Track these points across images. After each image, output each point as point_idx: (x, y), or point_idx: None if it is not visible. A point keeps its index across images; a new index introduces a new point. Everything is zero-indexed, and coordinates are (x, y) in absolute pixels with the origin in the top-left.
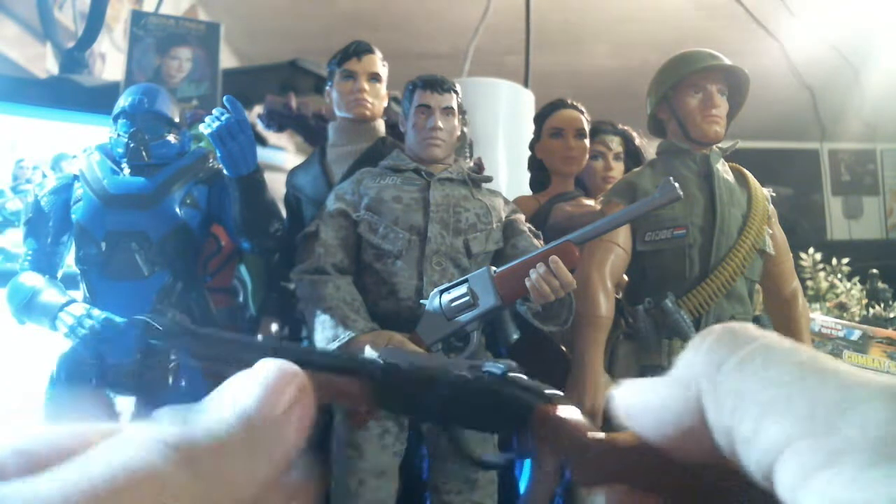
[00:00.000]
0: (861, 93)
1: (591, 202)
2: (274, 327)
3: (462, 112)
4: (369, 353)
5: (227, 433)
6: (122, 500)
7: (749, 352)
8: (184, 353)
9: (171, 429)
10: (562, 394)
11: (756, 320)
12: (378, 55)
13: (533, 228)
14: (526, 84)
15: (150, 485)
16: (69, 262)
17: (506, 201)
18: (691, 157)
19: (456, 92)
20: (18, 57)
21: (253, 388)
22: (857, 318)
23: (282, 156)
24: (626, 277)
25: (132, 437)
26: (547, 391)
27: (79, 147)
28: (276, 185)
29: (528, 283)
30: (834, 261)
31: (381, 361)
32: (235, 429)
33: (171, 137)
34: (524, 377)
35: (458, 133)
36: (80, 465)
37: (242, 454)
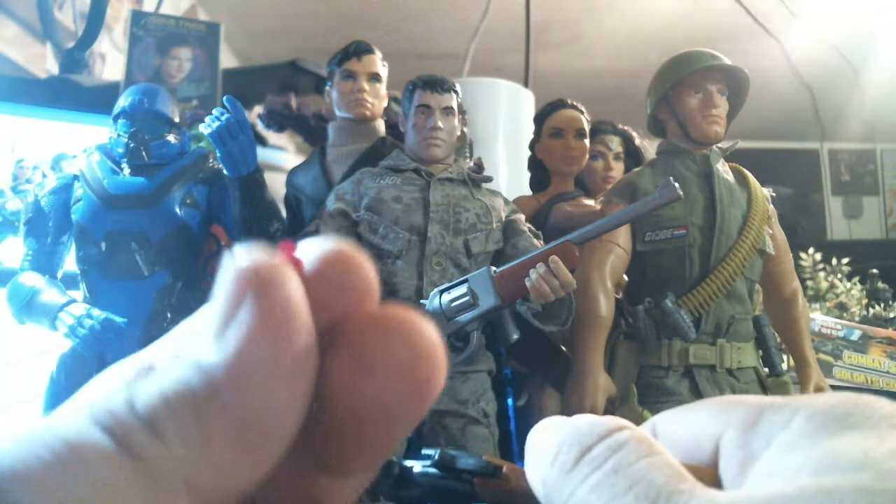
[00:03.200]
0: (861, 93)
1: (591, 202)
2: None
3: (462, 112)
4: None
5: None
6: None
7: (583, 493)
8: None
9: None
10: (499, 464)
11: (756, 320)
12: (378, 55)
13: (533, 228)
14: (526, 84)
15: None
16: (69, 262)
17: (506, 201)
18: (691, 157)
19: (456, 92)
20: (18, 57)
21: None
22: (857, 318)
23: (282, 156)
24: (626, 277)
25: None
26: (483, 466)
27: (79, 147)
28: (276, 185)
29: (528, 283)
30: (834, 261)
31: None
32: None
33: (171, 137)
34: (472, 460)
35: (458, 133)
36: None
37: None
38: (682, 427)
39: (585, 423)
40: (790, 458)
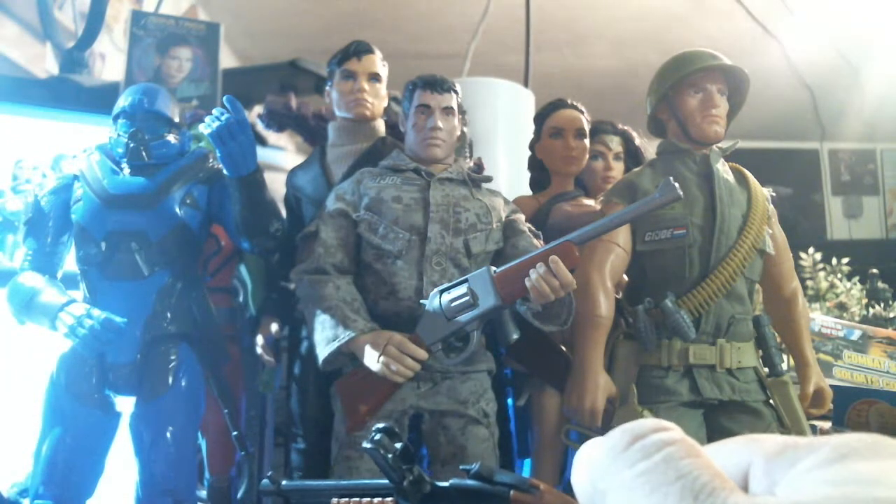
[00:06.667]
0: (861, 93)
1: (591, 202)
2: (274, 327)
3: (462, 112)
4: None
5: None
6: None
7: (632, 475)
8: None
9: None
10: (535, 483)
11: (756, 320)
12: (378, 55)
13: (533, 228)
14: (526, 84)
15: None
16: (69, 262)
17: (506, 201)
18: (691, 157)
19: (456, 92)
20: (18, 57)
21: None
22: (857, 318)
23: (282, 156)
24: (626, 277)
25: None
26: (520, 482)
27: (79, 147)
28: (276, 185)
29: (528, 283)
30: (834, 261)
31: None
32: None
33: (171, 137)
34: (509, 475)
35: (458, 133)
36: None
37: None
38: (713, 458)
39: (638, 421)
40: (814, 475)
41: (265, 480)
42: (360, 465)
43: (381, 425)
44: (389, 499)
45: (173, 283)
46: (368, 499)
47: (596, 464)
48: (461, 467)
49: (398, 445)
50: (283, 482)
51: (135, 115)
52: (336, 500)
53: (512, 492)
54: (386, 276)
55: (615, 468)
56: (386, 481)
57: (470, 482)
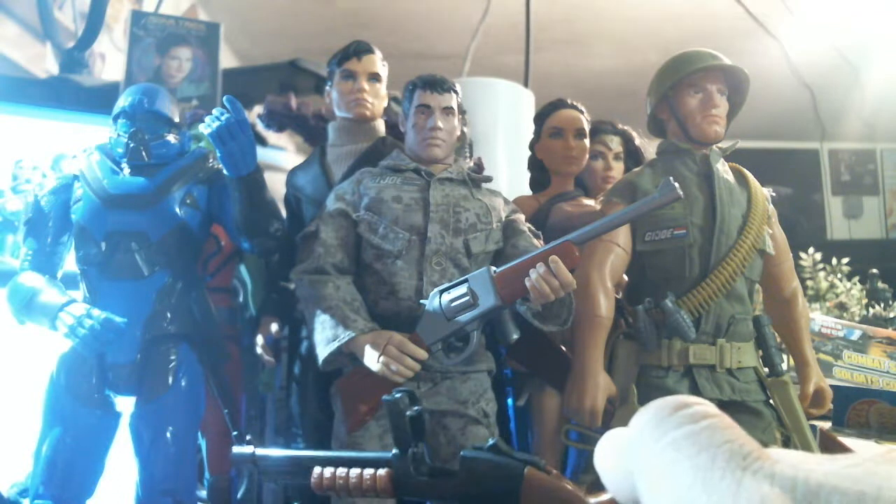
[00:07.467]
0: (861, 93)
1: (591, 202)
2: (274, 327)
3: (462, 112)
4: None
5: None
6: None
7: (677, 437)
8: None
9: None
10: (547, 467)
11: (756, 320)
12: (378, 55)
13: (533, 228)
14: (526, 84)
15: None
16: (69, 262)
17: (506, 201)
18: (691, 157)
19: (456, 92)
20: (18, 57)
21: None
22: (857, 318)
23: (282, 156)
24: (626, 277)
25: None
26: (536, 460)
27: (79, 147)
28: (276, 185)
29: (527, 283)
30: (834, 261)
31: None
32: None
33: (171, 137)
34: (524, 455)
35: (458, 133)
36: None
37: None
38: None
39: (674, 396)
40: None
41: (237, 447)
42: None
43: (404, 388)
44: (384, 470)
45: (173, 283)
46: (360, 469)
47: (630, 441)
48: (473, 446)
49: (416, 408)
50: (256, 450)
51: (135, 115)
52: (319, 469)
53: (527, 468)
54: (386, 276)
55: (657, 434)
56: (379, 454)
57: (482, 454)
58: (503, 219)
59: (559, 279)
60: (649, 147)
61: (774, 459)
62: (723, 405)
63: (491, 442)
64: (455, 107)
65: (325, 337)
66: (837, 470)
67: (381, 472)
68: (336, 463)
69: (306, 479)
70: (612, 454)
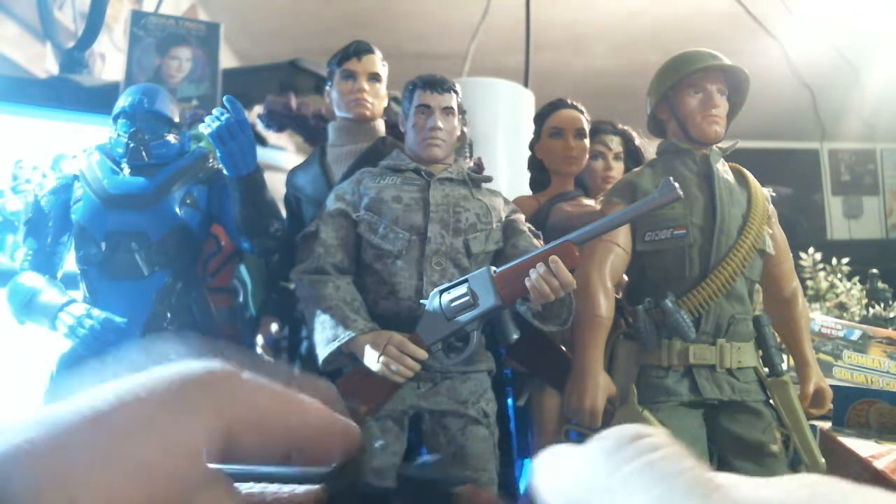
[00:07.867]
0: (861, 93)
1: (591, 202)
2: (274, 327)
3: (462, 112)
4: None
5: None
6: None
7: (632, 469)
8: None
9: None
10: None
11: (756, 320)
12: (378, 55)
13: (533, 228)
14: (526, 84)
15: None
16: (69, 262)
17: (506, 201)
18: (691, 157)
19: (456, 92)
20: (18, 57)
21: None
22: (857, 318)
23: (282, 156)
24: (626, 277)
25: None
26: (463, 477)
27: (79, 147)
28: (276, 185)
29: (527, 283)
30: (834, 261)
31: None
32: None
33: (171, 137)
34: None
35: (458, 133)
36: None
37: None
38: None
39: (623, 427)
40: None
41: None
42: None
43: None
44: (317, 486)
45: (173, 283)
46: (291, 486)
47: (578, 474)
48: (413, 463)
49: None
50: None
51: (135, 115)
52: (249, 487)
53: (463, 487)
54: (386, 276)
55: (611, 467)
56: (315, 469)
57: (414, 471)
58: (503, 219)
59: (559, 279)
60: (649, 147)
61: (730, 485)
62: (723, 405)
63: (431, 459)
64: (455, 107)
65: (325, 337)
66: (792, 491)
67: (313, 487)
68: (266, 480)
69: None
70: (554, 486)
